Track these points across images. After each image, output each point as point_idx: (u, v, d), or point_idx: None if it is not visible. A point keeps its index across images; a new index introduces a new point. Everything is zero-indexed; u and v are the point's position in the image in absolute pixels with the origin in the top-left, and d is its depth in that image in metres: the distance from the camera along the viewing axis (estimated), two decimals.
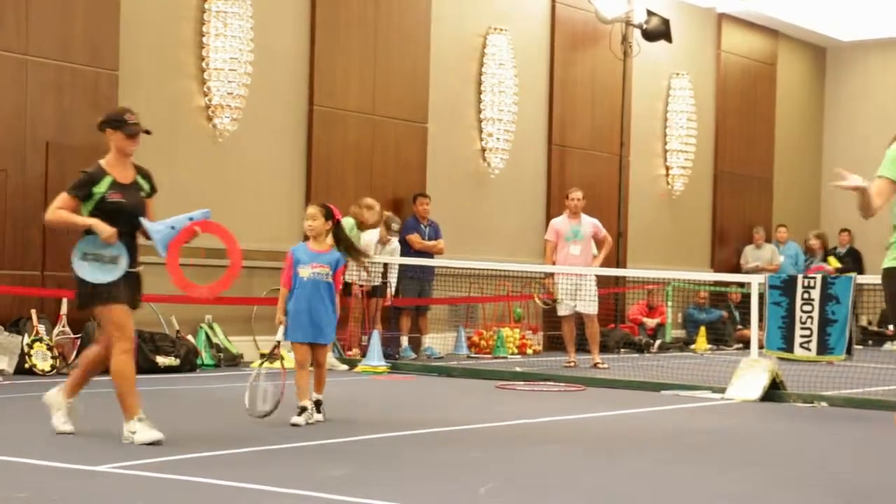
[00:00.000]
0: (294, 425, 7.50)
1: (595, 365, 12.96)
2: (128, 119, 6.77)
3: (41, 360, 10.40)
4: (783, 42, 20.99)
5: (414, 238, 13.90)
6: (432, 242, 14.06)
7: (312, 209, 8.02)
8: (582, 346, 13.48)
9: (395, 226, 13.30)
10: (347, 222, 11.50)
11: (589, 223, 13.29)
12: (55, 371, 10.46)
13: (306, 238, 8.16)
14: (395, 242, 13.44)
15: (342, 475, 5.86)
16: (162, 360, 11.08)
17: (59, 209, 6.68)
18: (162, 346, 11.20)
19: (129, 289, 6.68)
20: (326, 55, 13.66)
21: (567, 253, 13.07)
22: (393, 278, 13.45)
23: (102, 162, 6.76)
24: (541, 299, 13.93)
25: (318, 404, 7.78)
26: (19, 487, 5.31)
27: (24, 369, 10.43)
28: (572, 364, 13.06)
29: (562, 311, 13.18)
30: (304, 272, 7.76)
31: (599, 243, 13.41)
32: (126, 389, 6.59)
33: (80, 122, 11.45)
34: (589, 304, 13.11)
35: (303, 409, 7.62)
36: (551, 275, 13.25)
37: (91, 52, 11.56)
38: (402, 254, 13.60)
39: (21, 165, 11.12)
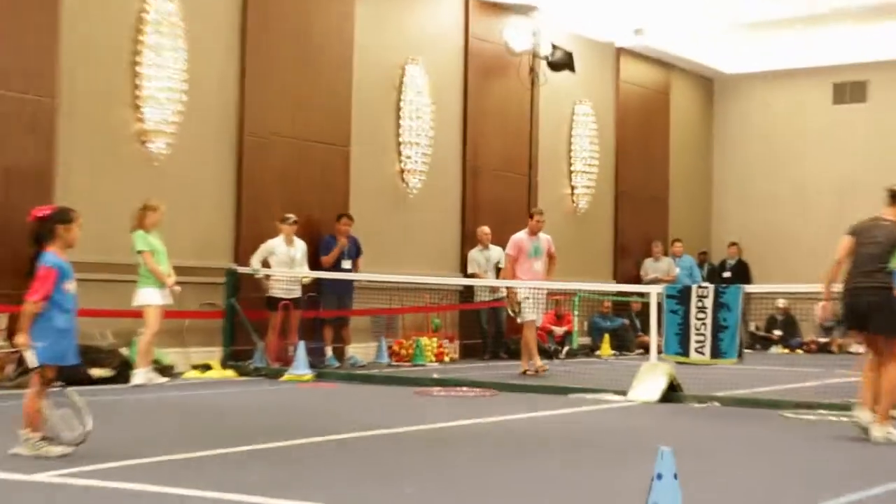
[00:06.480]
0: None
1: (538, 370, 12.67)
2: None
3: None
4: (675, 73, 21.17)
5: (325, 259, 13.51)
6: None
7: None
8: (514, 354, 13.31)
9: (291, 217, 12.74)
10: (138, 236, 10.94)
11: (545, 240, 13.20)
12: None
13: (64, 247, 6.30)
14: (298, 243, 12.89)
15: (259, 479, 5.62)
16: (96, 372, 10.70)
17: None
18: (96, 358, 10.81)
19: None
20: (256, 83, 13.36)
21: (530, 268, 12.90)
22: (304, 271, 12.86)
23: None
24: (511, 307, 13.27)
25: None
26: None
27: None
28: (544, 368, 12.75)
29: (528, 317, 12.82)
30: (71, 286, 6.24)
31: (550, 258, 13.28)
32: None
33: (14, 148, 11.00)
34: (540, 314, 13.21)
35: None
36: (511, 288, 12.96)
37: (29, 79, 11.13)
38: (317, 270, 13.27)
39: None
